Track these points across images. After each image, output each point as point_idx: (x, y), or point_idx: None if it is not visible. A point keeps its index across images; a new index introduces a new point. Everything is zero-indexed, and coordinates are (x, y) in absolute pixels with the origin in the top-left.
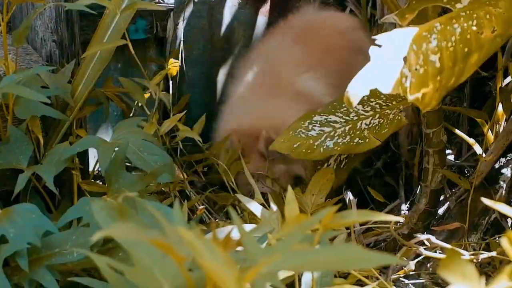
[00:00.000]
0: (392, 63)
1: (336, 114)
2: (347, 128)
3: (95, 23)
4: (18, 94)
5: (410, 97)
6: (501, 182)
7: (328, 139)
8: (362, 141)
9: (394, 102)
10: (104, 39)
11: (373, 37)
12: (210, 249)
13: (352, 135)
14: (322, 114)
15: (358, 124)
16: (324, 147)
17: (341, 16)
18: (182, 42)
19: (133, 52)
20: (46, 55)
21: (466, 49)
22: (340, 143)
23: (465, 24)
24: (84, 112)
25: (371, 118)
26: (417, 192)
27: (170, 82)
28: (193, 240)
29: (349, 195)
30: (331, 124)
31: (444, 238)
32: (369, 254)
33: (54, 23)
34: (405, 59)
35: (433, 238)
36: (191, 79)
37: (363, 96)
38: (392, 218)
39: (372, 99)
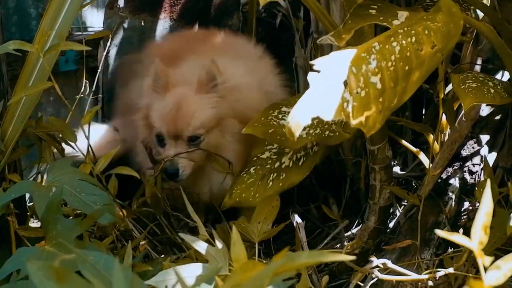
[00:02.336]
0: (332, 88)
1: None
2: (315, 121)
3: (23, 58)
4: None
5: (353, 122)
6: (450, 193)
7: None
8: (332, 134)
9: None
10: (30, 81)
11: (311, 62)
12: None
13: (322, 128)
14: (288, 106)
15: None
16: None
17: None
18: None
19: (59, 93)
20: None
21: (406, 67)
22: (313, 133)
23: (404, 42)
24: (16, 155)
25: None
26: (366, 210)
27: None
28: None
29: (297, 218)
30: None
31: (396, 256)
32: None
33: None
34: (345, 83)
35: (388, 263)
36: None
37: None
38: (343, 257)
39: None
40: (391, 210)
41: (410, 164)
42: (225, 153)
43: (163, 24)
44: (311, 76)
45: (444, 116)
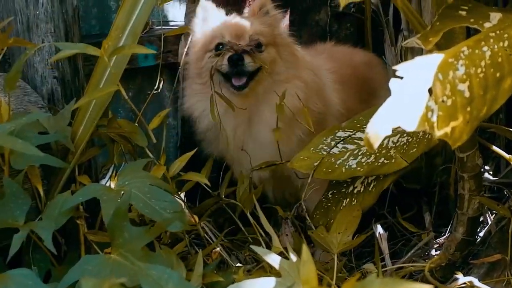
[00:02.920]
0: (416, 97)
1: (362, 129)
2: (364, 148)
3: None
4: (10, 148)
5: (438, 133)
6: None
7: (352, 158)
8: (388, 161)
9: None
10: (101, 82)
11: (394, 67)
12: None
13: (377, 154)
14: (346, 130)
15: (385, 142)
16: (347, 166)
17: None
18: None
19: (125, 96)
20: (47, 93)
21: (498, 74)
22: (364, 163)
23: (496, 46)
24: (86, 156)
25: (399, 135)
26: (454, 220)
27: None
28: None
29: (379, 229)
30: (356, 141)
31: (485, 271)
32: None
33: None
34: (430, 90)
35: (475, 281)
36: None
37: None
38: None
39: None
40: (481, 219)
41: (503, 170)
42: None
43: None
44: (393, 83)
45: None
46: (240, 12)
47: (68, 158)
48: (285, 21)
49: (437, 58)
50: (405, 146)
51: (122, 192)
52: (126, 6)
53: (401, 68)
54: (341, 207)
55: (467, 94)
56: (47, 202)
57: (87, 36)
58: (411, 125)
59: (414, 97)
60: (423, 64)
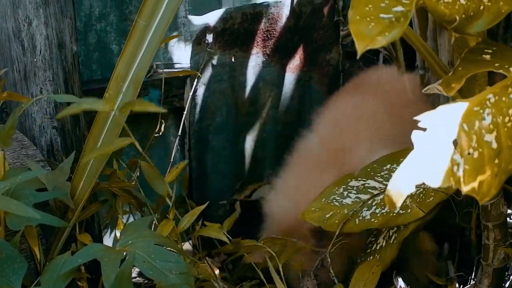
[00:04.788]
0: (440, 149)
1: (376, 178)
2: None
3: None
4: (4, 209)
5: (465, 188)
6: None
7: (365, 208)
8: (404, 211)
9: None
10: (102, 134)
11: (415, 118)
12: None
13: None
14: (359, 179)
15: None
16: (360, 218)
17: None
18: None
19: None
20: (46, 144)
21: None
22: (379, 214)
23: None
24: (87, 213)
25: None
26: (478, 270)
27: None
28: None
29: (400, 283)
30: (369, 190)
31: None
32: None
33: (53, 108)
34: (455, 142)
35: None
36: (215, 148)
37: None
38: None
39: None
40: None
41: None
42: None
43: (255, 59)
44: (415, 136)
45: None
46: (248, 52)
47: (68, 215)
48: (295, 62)
49: (461, 106)
50: (421, 195)
51: (125, 252)
52: (127, 54)
53: (423, 119)
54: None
55: (494, 145)
56: (46, 263)
57: (88, 81)
58: (436, 181)
59: (438, 151)
60: (447, 114)
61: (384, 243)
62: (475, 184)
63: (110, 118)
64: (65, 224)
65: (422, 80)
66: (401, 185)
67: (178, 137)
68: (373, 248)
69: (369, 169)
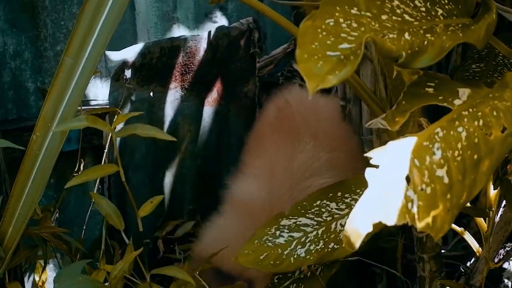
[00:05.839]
0: (394, 187)
1: (307, 215)
2: (320, 231)
3: (20, 138)
4: None
5: (419, 225)
6: (506, 280)
7: (299, 246)
8: (338, 246)
9: None
10: (29, 180)
11: (366, 154)
12: None
13: (326, 239)
14: (290, 217)
15: (333, 226)
16: (295, 256)
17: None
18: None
19: None
20: None
21: (475, 156)
22: (313, 250)
23: (470, 126)
24: (17, 260)
25: (346, 217)
26: None
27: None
28: None
29: None
30: (302, 228)
31: None
32: None
33: None
34: (407, 178)
35: None
36: (135, 186)
37: (337, 193)
38: None
39: (347, 195)
40: None
41: (450, 241)
42: None
43: (173, 94)
44: (368, 173)
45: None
46: (166, 87)
47: None
48: (213, 95)
49: (410, 141)
50: None
51: None
52: (54, 92)
53: (374, 156)
54: None
55: (446, 180)
56: None
57: (3, 121)
58: (391, 220)
59: (391, 188)
60: (397, 150)
61: (309, 274)
62: (429, 220)
63: (39, 161)
64: None
65: (343, 110)
66: (358, 225)
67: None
68: (295, 275)
69: (299, 207)
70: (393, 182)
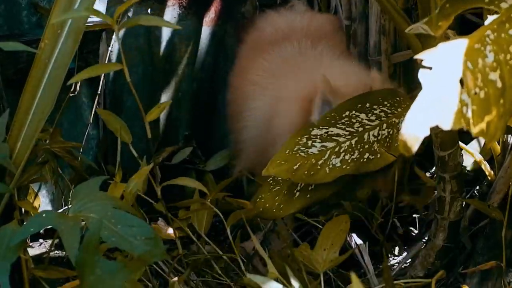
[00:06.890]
0: (448, 89)
1: (337, 125)
2: (353, 141)
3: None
4: None
5: (474, 130)
6: None
7: (334, 156)
8: (374, 156)
9: (399, 109)
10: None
11: (418, 56)
12: None
13: (361, 149)
14: (321, 127)
15: (365, 136)
16: (330, 166)
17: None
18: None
19: None
20: None
21: None
22: (349, 160)
23: None
24: (27, 177)
25: (378, 128)
26: (432, 225)
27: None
28: None
29: (354, 239)
30: (334, 138)
31: (478, 281)
32: None
33: None
34: (461, 81)
35: None
36: (131, 109)
37: (365, 104)
38: None
39: (375, 106)
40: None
41: None
42: None
43: (171, 12)
44: (423, 75)
45: None
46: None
47: (5, 180)
48: (211, 15)
49: (461, 44)
50: (387, 139)
51: (81, 218)
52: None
53: (426, 57)
54: (295, 192)
55: (499, 84)
56: None
57: None
58: (447, 124)
59: (446, 91)
60: (448, 52)
61: None
62: (483, 125)
63: (48, 70)
64: (8, 189)
65: (348, 30)
66: (415, 128)
67: (92, 97)
68: None
69: (328, 118)
70: (447, 86)
